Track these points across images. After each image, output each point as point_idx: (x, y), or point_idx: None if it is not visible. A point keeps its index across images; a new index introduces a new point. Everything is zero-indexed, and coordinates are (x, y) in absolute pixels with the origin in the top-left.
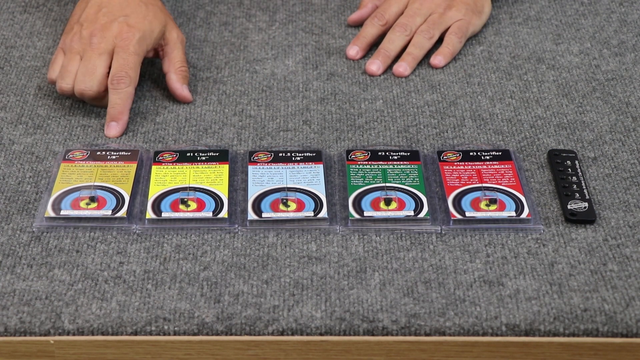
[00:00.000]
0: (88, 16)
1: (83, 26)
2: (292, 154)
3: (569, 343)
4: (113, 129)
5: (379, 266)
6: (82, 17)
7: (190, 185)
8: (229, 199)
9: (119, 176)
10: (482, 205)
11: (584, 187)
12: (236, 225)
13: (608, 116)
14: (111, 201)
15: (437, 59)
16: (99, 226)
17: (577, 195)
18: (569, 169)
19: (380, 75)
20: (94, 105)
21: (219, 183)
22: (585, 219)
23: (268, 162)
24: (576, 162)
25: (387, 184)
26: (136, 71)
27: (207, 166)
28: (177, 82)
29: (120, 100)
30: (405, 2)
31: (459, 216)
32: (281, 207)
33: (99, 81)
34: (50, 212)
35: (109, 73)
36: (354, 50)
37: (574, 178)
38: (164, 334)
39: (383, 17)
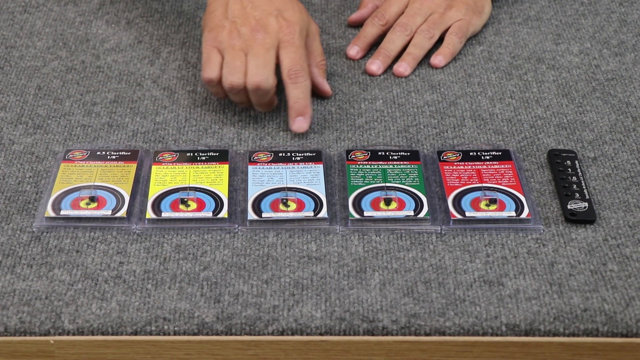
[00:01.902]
0: (236, 12)
1: (237, 23)
2: (292, 154)
3: (569, 343)
4: (301, 123)
5: (379, 266)
6: (230, 14)
7: (190, 185)
8: (229, 199)
9: (119, 176)
10: (482, 205)
11: (584, 187)
12: (236, 225)
13: (608, 116)
14: (111, 201)
15: (437, 59)
16: (99, 226)
17: (577, 195)
18: (569, 169)
19: (380, 75)
20: (238, 103)
21: (219, 183)
22: (585, 219)
23: (268, 162)
24: (576, 162)
25: (387, 184)
26: (307, 64)
27: (207, 166)
28: (319, 77)
29: (302, 93)
30: (406, 2)
31: (459, 216)
32: (281, 207)
33: (274, 75)
34: (50, 212)
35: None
36: (354, 50)
37: (574, 178)
38: (164, 334)
39: (383, 17)
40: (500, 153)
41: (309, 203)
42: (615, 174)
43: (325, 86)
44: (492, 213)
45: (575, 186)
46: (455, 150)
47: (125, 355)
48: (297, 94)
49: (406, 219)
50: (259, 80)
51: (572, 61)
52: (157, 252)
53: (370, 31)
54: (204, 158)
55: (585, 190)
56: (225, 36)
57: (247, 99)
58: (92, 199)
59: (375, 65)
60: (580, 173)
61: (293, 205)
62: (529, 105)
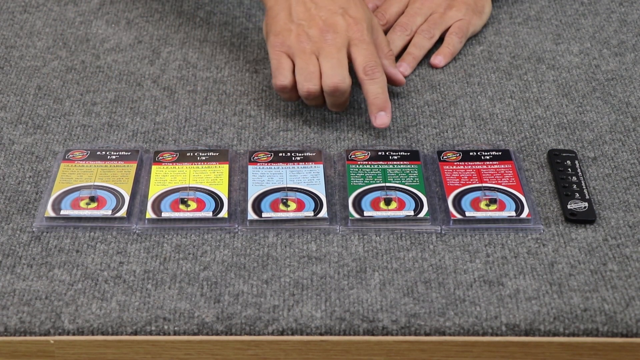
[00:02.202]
0: (301, 14)
1: (303, 25)
2: (292, 154)
3: (569, 343)
4: (383, 118)
5: (379, 266)
6: (295, 16)
7: (190, 185)
8: (229, 199)
9: (119, 176)
10: (482, 205)
11: (584, 187)
12: (236, 225)
13: (608, 116)
14: (111, 201)
15: (437, 59)
16: (99, 226)
17: (577, 195)
18: (569, 169)
19: None
20: (313, 106)
21: (219, 183)
22: (585, 218)
23: (268, 162)
24: (576, 162)
25: (387, 184)
26: (379, 58)
27: (207, 166)
28: (390, 67)
29: (380, 88)
30: (406, 1)
31: (459, 216)
32: (281, 207)
33: (349, 74)
34: (50, 212)
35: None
36: None
37: (574, 178)
38: (164, 334)
39: (383, 17)
40: (500, 153)
41: (309, 203)
42: (615, 174)
43: (398, 75)
44: (492, 213)
45: (575, 186)
46: (455, 150)
47: (125, 355)
48: (376, 90)
49: (406, 219)
50: (336, 82)
51: (572, 61)
52: (157, 252)
53: None
54: (204, 158)
55: (585, 190)
56: (294, 40)
57: (322, 101)
58: (92, 199)
59: None
60: (580, 173)
61: (293, 205)
62: (529, 105)
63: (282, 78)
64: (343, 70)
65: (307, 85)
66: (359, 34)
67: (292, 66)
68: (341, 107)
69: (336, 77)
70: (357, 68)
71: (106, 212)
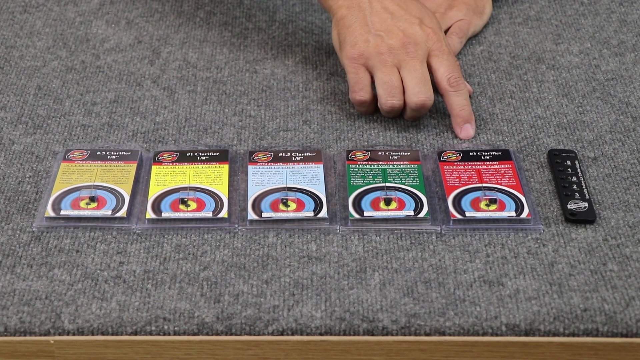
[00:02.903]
0: (378, 25)
1: (382, 36)
2: (292, 154)
3: (569, 343)
4: (469, 130)
5: (379, 266)
6: (372, 26)
7: (190, 185)
8: (229, 199)
9: (119, 176)
10: (482, 205)
11: (584, 187)
12: (236, 225)
13: (608, 116)
14: (111, 201)
15: None
16: (99, 226)
17: (577, 195)
18: (569, 169)
19: None
20: (391, 116)
21: (219, 183)
22: (585, 218)
23: (268, 162)
24: (576, 162)
25: (387, 184)
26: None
27: (207, 166)
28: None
29: (465, 100)
30: None
31: (459, 216)
32: (281, 207)
33: (432, 90)
34: (50, 212)
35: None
36: None
37: (574, 178)
38: (164, 334)
39: None
40: (500, 153)
41: (309, 203)
42: (615, 174)
43: (468, 86)
44: (492, 213)
45: (575, 186)
46: (455, 150)
47: (125, 355)
48: (461, 102)
49: (406, 219)
50: (424, 99)
51: (572, 61)
52: (157, 252)
53: None
54: (204, 158)
55: (585, 190)
56: (373, 51)
57: (400, 114)
58: (92, 199)
59: None
60: (580, 173)
61: (293, 205)
62: (529, 105)
63: (362, 93)
64: (428, 86)
65: (391, 100)
66: (439, 45)
67: (371, 79)
68: (417, 119)
69: (423, 94)
70: (440, 79)
71: (106, 212)
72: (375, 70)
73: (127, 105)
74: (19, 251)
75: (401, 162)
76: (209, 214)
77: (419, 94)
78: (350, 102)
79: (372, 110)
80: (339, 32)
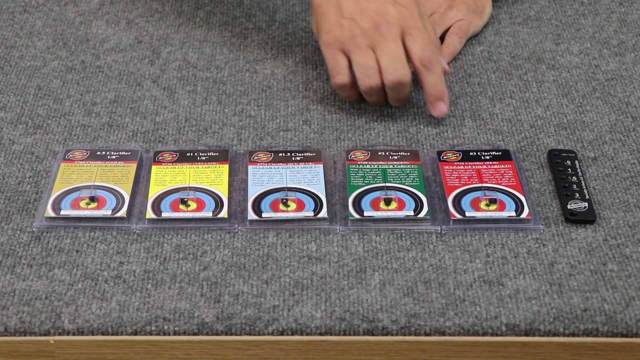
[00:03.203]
0: (351, 8)
1: (355, 20)
2: (292, 154)
3: (569, 343)
4: (441, 107)
5: (379, 266)
6: (345, 11)
7: (190, 185)
8: (229, 199)
9: (119, 176)
10: (482, 205)
11: (584, 187)
12: (236, 225)
13: (608, 116)
14: (111, 201)
15: None
16: (99, 226)
17: (577, 195)
18: (569, 169)
19: None
20: (374, 103)
21: (219, 183)
22: (585, 218)
23: (268, 162)
24: (576, 162)
25: (387, 184)
26: (436, 44)
27: (207, 166)
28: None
29: (438, 78)
30: None
31: (459, 216)
32: (281, 207)
33: (408, 67)
34: (50, 212)
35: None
36: None
37: (574, 178)
38: (164, 334)
39: None
40: (500, 153)
41: (309, 203)
42: (615, 174)
43: (444, 64)
44: (492, 213)
45: (575, 186)
46: (455, 150)
47: (125, 355)
48: (433, 80)
49: (406, 219)
50: (398, 77)
51: (572, 61)
52: (157, 252)
53: None
54: (204, 158)
55: (585, 190)
56: (347, 35)
57: (383, 97)
58: (92, 199)
59: None
60: (580, 173)
61: (293, 205)
62: (529, 105)
63: (340, 77)
64: (403, 63)
65: (367, 81)
66: (412, 22)
67: (349, 63)
68: (404, 101)
69: (397, 72)
70: (413, 59)
71: (106, 212)
72: (351, 53)
73: (127, 105)
74: (19, 251)
75: (401, 162)
76: (209, 214)
77: (394, 72)
78: (350, 102)
79: (355, 95)
80: (316, 20)
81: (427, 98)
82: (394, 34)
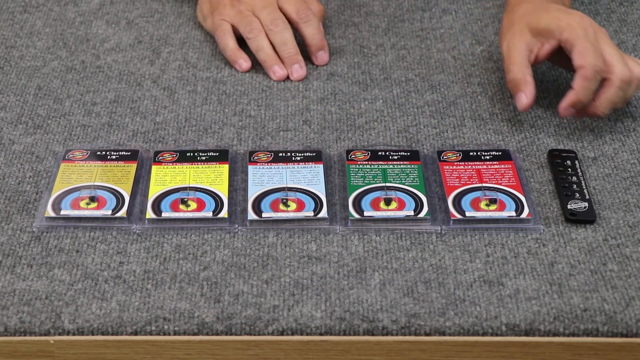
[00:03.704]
0: None
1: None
2: (292, 154)
3: (569, 343)
4: (323, 56)
5: (379, 266)
6: None
7: (190, 185)
8: (229, 199)
9: (119, 176)
10: (482, 205)
11: (584, 187)
12: (236, 225)
13: (608, 116)
14: (111, 201)
15: None
16: (99, 226)
17: (577, 195)
18: (569, 169)
19: (380, 77)
20: (268, 65)
21: (219, 183)
22: (585, 218)
23: (268, 162)
24: (576, 162)
25: (387, 184)
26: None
27: (207, 166)
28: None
29: (316, 29)
30: None
31: (459, 216)
32: (281, 207)
33: (286, 22)
34: (50, 212)
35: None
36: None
37: (574, 178)
38: (164, 334)
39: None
40: (500, 153)
41: (309, 203)
42: (615, 174)
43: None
44: (492, 213)
45: (575, 186)
46: (455, 150)
47: (125, 355)
48: (312, 31)
49: (406, 219)
50: (280, 33)
51: None
52: (157, 252)
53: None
54: (204, 158)
55: (585, 190)
56: (229, 8)
57: (274, 55)
58: (92, 199)
59: None
60: (580, 173)
61: (293, 205)
62: None
63: (225, 39)
64: (285, 25)
65: (248, 29)
66: None
67: (234, 30)
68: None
69: (277, 27)
70: (291, 15)
71: (106, 212)
72: (234, 21)
73: (127, 105)
74: (19, 251)
75: (401, 162)
76: (209, 214)
77: (274, 31)
78: (350, 102)
79: (248, 63)
80: (200, 10)
81: (309, 49)
82: (271, 2)
